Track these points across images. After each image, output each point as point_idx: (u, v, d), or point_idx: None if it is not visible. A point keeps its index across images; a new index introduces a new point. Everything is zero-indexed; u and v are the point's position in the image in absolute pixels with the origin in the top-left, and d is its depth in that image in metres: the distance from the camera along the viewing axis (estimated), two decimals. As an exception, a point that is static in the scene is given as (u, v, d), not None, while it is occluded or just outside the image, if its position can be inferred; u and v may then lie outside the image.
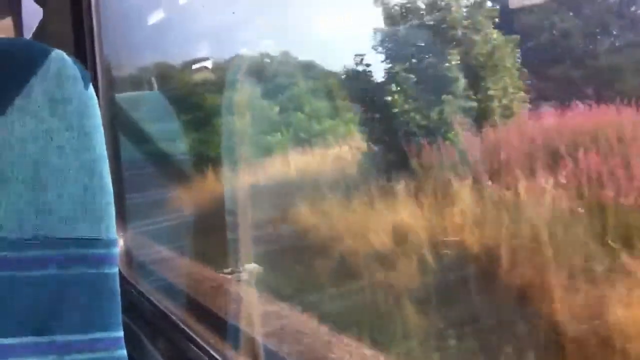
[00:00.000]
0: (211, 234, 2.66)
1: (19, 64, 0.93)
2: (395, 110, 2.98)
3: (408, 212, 2.72)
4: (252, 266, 2.51)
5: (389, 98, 2.99)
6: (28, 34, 2.78)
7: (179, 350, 1.34)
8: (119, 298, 0.96)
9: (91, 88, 0.96)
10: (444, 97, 2.91)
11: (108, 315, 0.95)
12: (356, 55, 3.15)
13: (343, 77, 3.20)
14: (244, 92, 2.90)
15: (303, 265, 2.91)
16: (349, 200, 2.96)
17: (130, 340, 0.98)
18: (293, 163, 3.42)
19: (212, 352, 1.27)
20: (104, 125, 0.98)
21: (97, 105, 0.96)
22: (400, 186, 2.81)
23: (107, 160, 0.97)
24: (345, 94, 3.33)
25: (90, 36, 1.72)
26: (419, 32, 3.01)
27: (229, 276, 2.57)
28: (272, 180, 3.39)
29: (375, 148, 3.16)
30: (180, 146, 3.25)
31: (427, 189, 2.73)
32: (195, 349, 1.30)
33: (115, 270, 0.96)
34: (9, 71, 0.93)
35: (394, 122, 3.01)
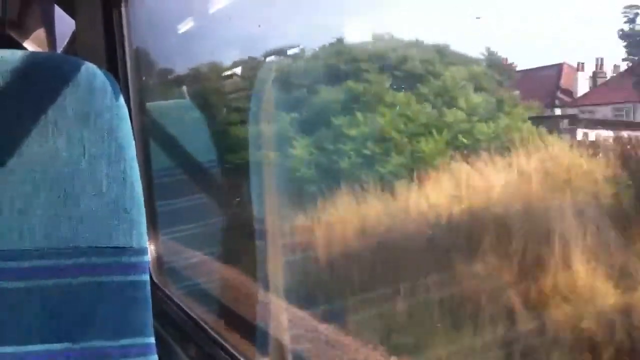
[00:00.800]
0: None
1: (52, 77, 0.95)
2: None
3: None
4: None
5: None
6: (61, 46, 2.84)
7: (210, 356, 1.35)
8: (149, 305, 0.97)
9: (122, 99, 0.98)
10: None
11: (139, 321, 0.96)
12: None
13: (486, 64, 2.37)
14: (375, 83, 2.29)
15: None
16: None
17: (162, 346, 1.00)
18: (469, 179, 2.13)
19: (239, 356, 1.28)
20: (135, 134, 1.00)
21: (128, 116, 0.98)
22: None
23: (138, 169, 0.99)
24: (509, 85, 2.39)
25: (122, 47, 1.75)
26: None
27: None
28: (462, 211, 2.10)
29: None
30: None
31: None
32: (225, 356, 1.31)
33: (146, 277, 0.97)
34: (43, 85, 0.95)
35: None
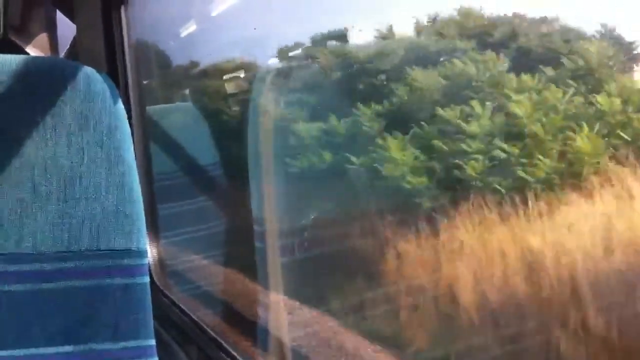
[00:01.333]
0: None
1: (50, 82, 0.96)
2: None
3: None
4: None
5: None
6: (62, 51, 2.84)
7: (211, 359, 1.36)
8: (150, 307, 0.98)
9: (120, 103, 0.98)
10: None
11: (140, 324, 0.96)
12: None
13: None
14: (489, 62, 1.69)
15: None
16: None
17: (163, 348, 1.00)
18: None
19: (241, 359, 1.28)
20: (135, 137, 1.00)
21: (126, 120, 0.99)
22: None
23: (137, 173, 0.99)
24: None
25: (122, 50, 1.75)
26: None
27: None
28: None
29: None
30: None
31: None
32: (227, 358, 1.32)
33: (146, 280, 0.98)
34: (42, 90, 0.96)
35: None
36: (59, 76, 0.96)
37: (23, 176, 0.93)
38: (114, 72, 1.73)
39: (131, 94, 1.76)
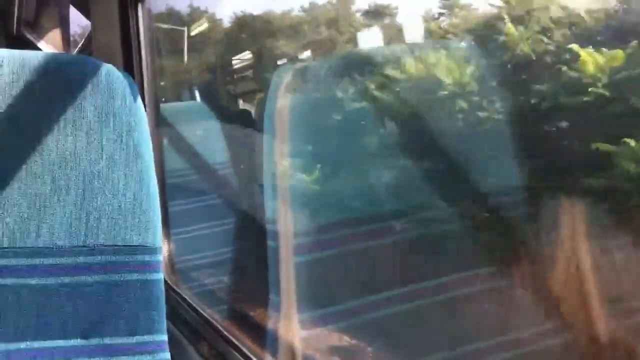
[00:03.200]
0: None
1: (72, 79, 0.97)
2: None
3: None
4: None
5: None
6: (75, 47, 2.86)
7: (222, 355, 1.36)
8: (163, 303, 0.99)
9: (139, 100, 1.00)
10: None
11: (153, 319, 0.97)
12: None
13: None
14: None
15: None
16: None
17: (173, 344, 1.01)
18: None
19: (251, 356, 1.29)
20: (150, 135, 1.01)
21: (145, 117, 1.00)
22: None
23: (154, 170, 1.00)
24: None
25: (138, 47, 1.76)
26: None
27: None
28: None
29: None
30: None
31: None
32: (238, 355, 1.33)
33: (160, 276, 0.99)
34: (64, 86, 0.97)
35: None
36: (80, 73, 0.97)
37: (43, 171, 0.95)
38: (129, 69, 1.74)
39: (147, 91, 1.77)
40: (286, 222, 1.42)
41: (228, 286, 2.12)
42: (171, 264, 1.85)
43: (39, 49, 2.93)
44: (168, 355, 0.98)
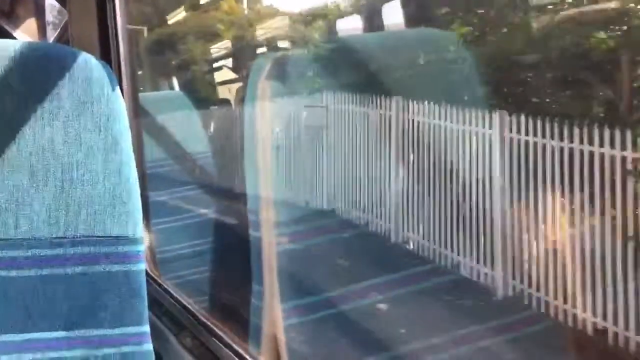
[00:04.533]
0: None
1: (49, 68, 0.96)
2: None
3: None
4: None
5: None
6: (51, 36, 2.82)
7: (204, 345, 1.36)
8: (145, 294, 0.98)
9: (118, 90, 0.98)
10: None
11: (135, 310, 0.97)
12: None
13: None
14: None
15: None
16: None
17: (156, 336, 1.00)
18: None
19: (235, 345, 1.29)
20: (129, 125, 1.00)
21: (124, 107, 0.99)
22: None
23: (134, 160, 0.99)
24: None
25: (115, 36, 1.74)
26: None
27: None
28: None
29: None
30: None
31: None
32: (220, 344, 1.33)
33: (142, 267, 0.98)
34: (40, 75, 0.95)
35: None
36: (57, 62, 0.96)
37: (20, 162, 0.93)
38: (107, 58, 1.72)
39: (125, 80, 1.75)
40: (268, 212, 1.41)
41: (210, 277, 2.12)
42: (152, 255, 1.84)
43: (15, 39, 2.89)
44: (150, 346, 0.98)
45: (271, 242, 1.37)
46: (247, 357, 1.22)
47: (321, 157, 2.41)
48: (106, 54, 1.72)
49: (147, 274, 1.31)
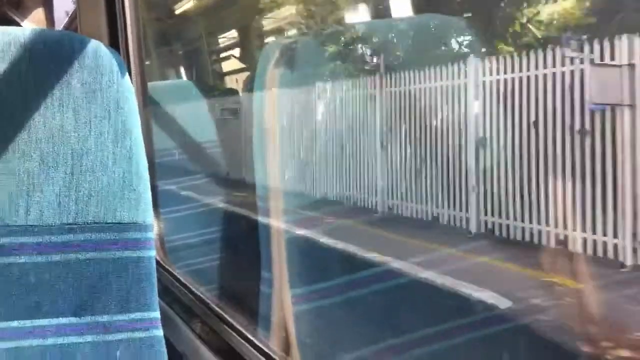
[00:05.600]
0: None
1: (58, 55, 0.96)
2: None
3: None
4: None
5: None
6: (60, 25, 2.82)
7: (215, 332, 1.37)
8: (155, 280, 0.98)
9: (127, 77, 0.98)
10: None
11: (145, 296, 0.97)
12: None
13: None
14: None
15: None
16: None
17: (165, 322, 1.01)
18: None
19: (244, 331, 1.30)
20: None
21: (133, 94, 0.99)
22: None
23: (144, 147, 0.99)
24: None
25: (124, 24, 1.74)
26: None
27: None
28: None
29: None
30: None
31: None
32: (230, 331, 1.33)
33: (152, 253, 0.98)
34: (50, 62, 0.95)
35: None
36: (67, 49, 0.96)
37: (30, 148, 0.94)
38: (116, 46, 1.72)
39: (133, 68, 1.75)
40: (277, 199, 1.41)
41: (220, 264, 2.13)
42: (161, 242, 1.85)
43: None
44: (161, 332, 0.98)
45: (280, 228, 1.37)
46: (258, 342, 1.23)
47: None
48: (115, 43, 1.72)
49: (157, 262, 1.32)
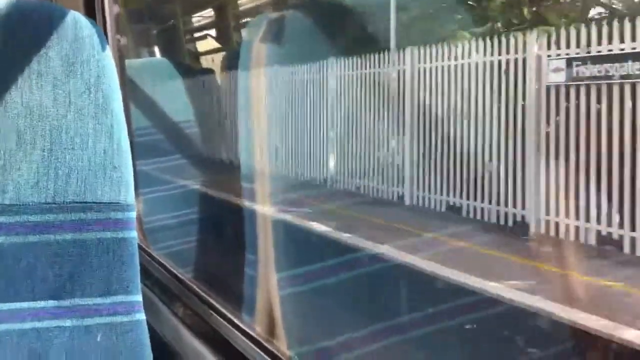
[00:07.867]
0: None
1: (36, 26, 0.92)
2: None
3: None
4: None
5: None
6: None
7: (197, 314, 1.35)
8: (137, 262, 0.95)
9: (108, 50, 0.95)
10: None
11: (127, 279, 0.94)
12: None
13: None
14: None
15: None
16: None
17: (147, 305, 0.98)
18: None
19: (228, 314, 1.28)
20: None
21: (114, 68, 0.95)
22: None
23: (126, 124, 0.96)
24: None
25: (101, -2, 1.68)
26: None
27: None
28: None
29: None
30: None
31: None
32: (213, 313, 1.31)
33: (134, 234, 0.95)
34: (27, 34, 0.91)
35: None
36: (45, 20, 0.92)
37: (7, 125, 0.90)
38: (91, 18, 1.66)
39: (110, 42, 1.70)
40: (263, 180, 1.39)
41: (201, 246, 2.11)
42: (140, 224, 1.81)
43: None
44: (143, 315, 0.95)
45: (266, 210, 1.34)
46: (242, 325, 1.21)
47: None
48: (91, 15, 1.66)
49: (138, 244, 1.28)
